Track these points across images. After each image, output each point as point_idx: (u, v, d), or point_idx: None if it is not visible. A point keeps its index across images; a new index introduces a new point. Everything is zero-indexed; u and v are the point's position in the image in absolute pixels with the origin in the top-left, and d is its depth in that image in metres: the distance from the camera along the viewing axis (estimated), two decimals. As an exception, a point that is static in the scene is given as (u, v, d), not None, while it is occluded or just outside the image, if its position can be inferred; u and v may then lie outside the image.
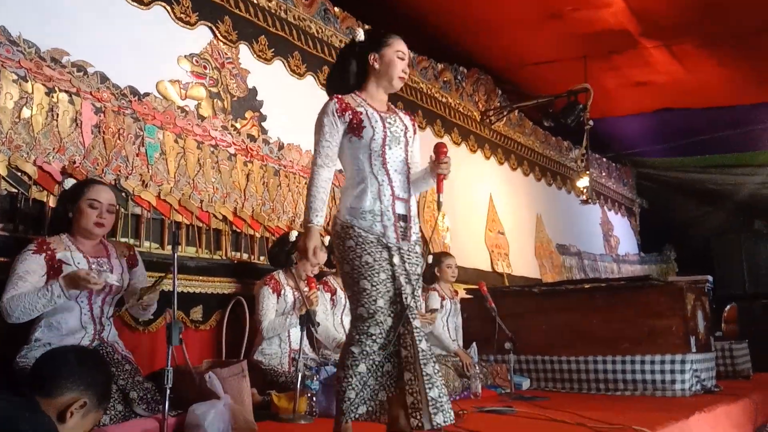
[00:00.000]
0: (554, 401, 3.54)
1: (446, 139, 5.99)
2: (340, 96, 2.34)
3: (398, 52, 2.37)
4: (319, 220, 2.25)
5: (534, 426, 2.79)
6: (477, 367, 4.14)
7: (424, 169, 2.39)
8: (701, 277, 6.25)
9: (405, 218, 2.32)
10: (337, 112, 2.29)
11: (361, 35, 2.42)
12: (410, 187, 2.36)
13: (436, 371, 2.16)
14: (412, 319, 2.18)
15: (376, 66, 2.37)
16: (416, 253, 2.33)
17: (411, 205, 2.36)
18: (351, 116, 2.29)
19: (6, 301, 2.37)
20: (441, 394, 2.14)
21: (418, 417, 2.12)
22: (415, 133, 2.44)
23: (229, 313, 3.28)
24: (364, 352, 2.17)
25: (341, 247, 2.25)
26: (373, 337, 2.17)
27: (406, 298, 2.19)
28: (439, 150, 2.29)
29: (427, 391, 2.11)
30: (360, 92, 2.40)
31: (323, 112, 2.31)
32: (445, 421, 2.12)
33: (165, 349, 2.18)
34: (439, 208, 2.35)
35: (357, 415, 2.18)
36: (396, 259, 2.23)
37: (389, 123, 2.34)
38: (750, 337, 5.77)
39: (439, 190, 2.32)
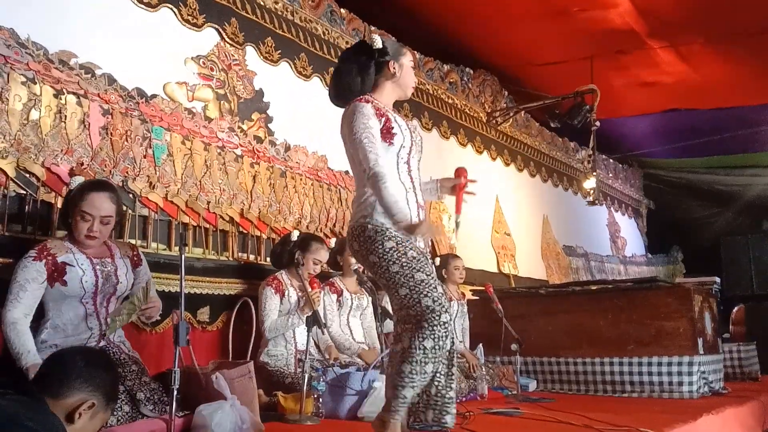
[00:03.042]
0: (561, 403, 3.53)
1: (452, 140, 5.99)
2: (366, 98, 2.31)
3: (412, 62, 2.46)
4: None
5: (540, 428, 2.79)
6: (483, 369, 4.13)
7: (431, 181, 2.53)
8: (709, 279, 6.24)
9: None
10: (375, 115, 2.26)
11: (379, 42, 2.38)
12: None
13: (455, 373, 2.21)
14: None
15: (397, 74, 2.38)
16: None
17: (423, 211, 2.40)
18: (385, 120, 2.27)
19: (9, 319, 2.39)
20: (453, 397, 2.18)
21: (435, 413, 2.15)
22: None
23: (236, 315, 3.29)
24: (437, 347, 2.11)
25: (380, 250, 2.18)
26: (445, 326, 2.12)
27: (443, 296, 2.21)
28: (462, 174, 2.45)
29: (449, 390, 2.15)
30: (375, 97, 2.36)
31: (362, 114, 2.23)
32: (451, 423, 2.14)
33: (172, 349, 2.19)
34: (457, 227, 2.51)
35: (400, 416, 2.15)
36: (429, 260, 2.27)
37: (413, 132, 2.39)
38: (758, 339, 5.75)
39: (457, 211, 2.46)
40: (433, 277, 2.17)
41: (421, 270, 2.16)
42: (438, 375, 2.17)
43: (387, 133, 2.26)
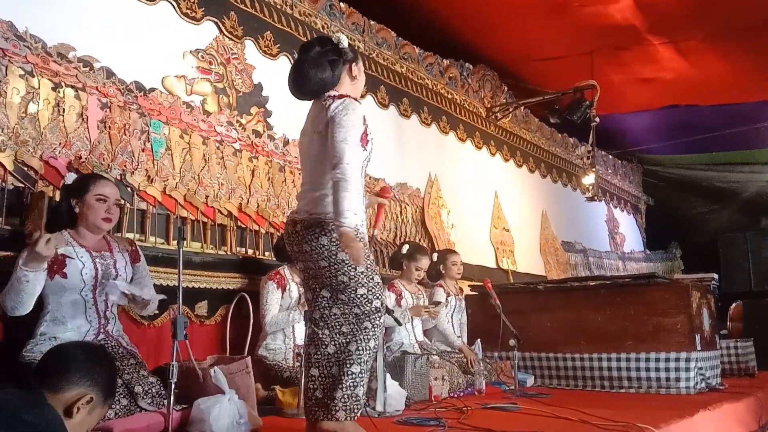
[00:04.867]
0: (558, 398, 3.54)
1: (452, 136, 5.99)
2: (358, 99, 2.36)
3: (362, 67, 2.48)
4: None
5: (537, 423, 2.79)
6: (481, 364, 4.14)
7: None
8: (707, 275, 6.23)
9: None
10: (363, 120, 2.28)
11: (345, 42, 2.37)
12: None
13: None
14: None
15: (358, 78, 2.41)
16: None
17: None
18: (365, 127, 2.29)
19: (1, 297, 2.41)
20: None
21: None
22: None
23: (234, 309, 3.29)
24: (376, 346, 2.28)
25: (357, 247, 2.22)
26: (382, 326, 2.31)
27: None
28: (386, 194, 2.67)
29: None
30: None
31: (356, 115, 2.23)
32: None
33: (170, 344, 2.19)
34: (373, 240, 2.57)
35: (356, 414, 2.23)
36: None
37: (373, 140, 2.41)
38: (755, 335, 5.76)
39: (375, 227, 2.79)
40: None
41: (377, 273, 2.33)
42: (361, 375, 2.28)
43: (364, 138, 2.29)
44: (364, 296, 2.26)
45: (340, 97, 2.29)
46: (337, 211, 2.13)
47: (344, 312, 2.28)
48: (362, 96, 2.54)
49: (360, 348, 2.24)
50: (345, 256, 2.21)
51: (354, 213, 2.15)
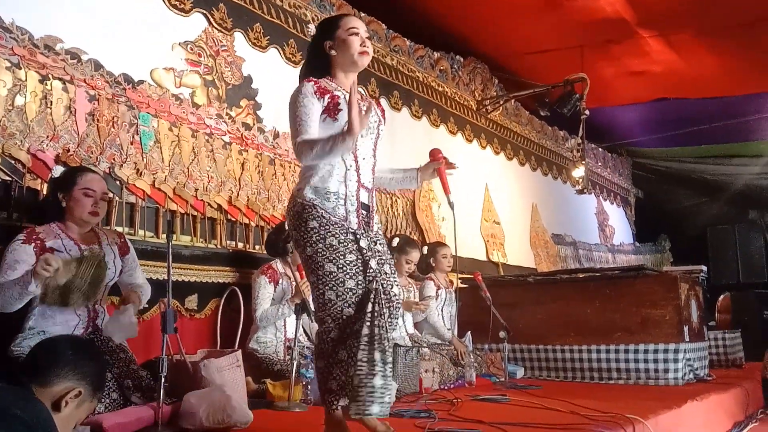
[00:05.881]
0: (548, 390, 3.56)
1: (442, 129, 5.98)
2: (314, 79, 2.27)
3: (350, 30, 2.30)
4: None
5: (527, 414, 2.80)
6: (471, 356, 4.16)
7: (410, 169, 2.44)
8: (695, 267, 6.29)
9: (367, 207, 2.27)
10: (315, 94, 2.22)
11: (312, 29, 2.38)
12: (374, 178, 2.34)
13: (382, 360, 2.07)
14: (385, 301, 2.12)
15: (333, 52, 2.31)
16: (381, 236, 2.31)
17: (373, 196, 2.33)
18: (329, 99, 2.23)
19: None
20: (380, 384, 2.06)
21: (358, 405, 2.04)
22: (384, 125, 2.42)
23: (224, 302, 3.29)
24: (343, 338, 2.09)
25: (303, 228, 2.13)
26: (350, 320, 2.08)
27: (376, 279, 2.12)
28: (437, 154, 2.37)
29: (371, 378, 2.04)
30: (332, 79, 2.33)
31: (300, 93, 2.21)
32: (380, 412, 2.05)
33: (160, 337, 2.19)
34: (452, 207, 2.29)
35: (339, 406, 2.12)
36: (363, 243, 2.16)
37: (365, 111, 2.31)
38: (743, 327, 5.81)
39: (447, 192, 2.34)
40: (344, 271, 2.08)
41: (334, 261, 2.09)
42: (360, 363, 2.05)
43: (333, 109, 2.21)
44: (314, 284, 2.12)
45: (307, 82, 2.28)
46: (325, 153, 2.11)
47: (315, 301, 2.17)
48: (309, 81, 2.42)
49: (320, 341, 2.13)
50: (297, 235, 2.15)
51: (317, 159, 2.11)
